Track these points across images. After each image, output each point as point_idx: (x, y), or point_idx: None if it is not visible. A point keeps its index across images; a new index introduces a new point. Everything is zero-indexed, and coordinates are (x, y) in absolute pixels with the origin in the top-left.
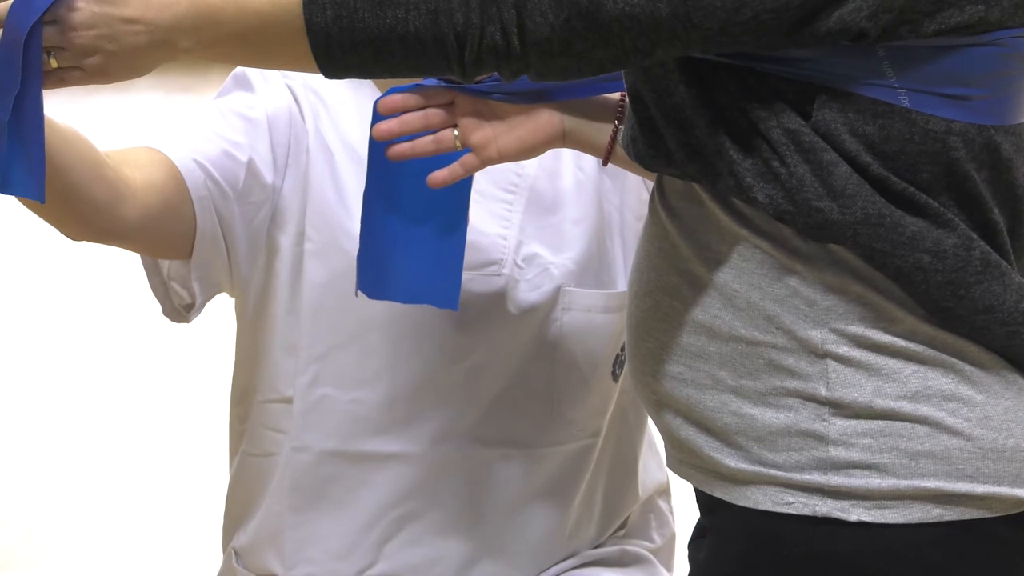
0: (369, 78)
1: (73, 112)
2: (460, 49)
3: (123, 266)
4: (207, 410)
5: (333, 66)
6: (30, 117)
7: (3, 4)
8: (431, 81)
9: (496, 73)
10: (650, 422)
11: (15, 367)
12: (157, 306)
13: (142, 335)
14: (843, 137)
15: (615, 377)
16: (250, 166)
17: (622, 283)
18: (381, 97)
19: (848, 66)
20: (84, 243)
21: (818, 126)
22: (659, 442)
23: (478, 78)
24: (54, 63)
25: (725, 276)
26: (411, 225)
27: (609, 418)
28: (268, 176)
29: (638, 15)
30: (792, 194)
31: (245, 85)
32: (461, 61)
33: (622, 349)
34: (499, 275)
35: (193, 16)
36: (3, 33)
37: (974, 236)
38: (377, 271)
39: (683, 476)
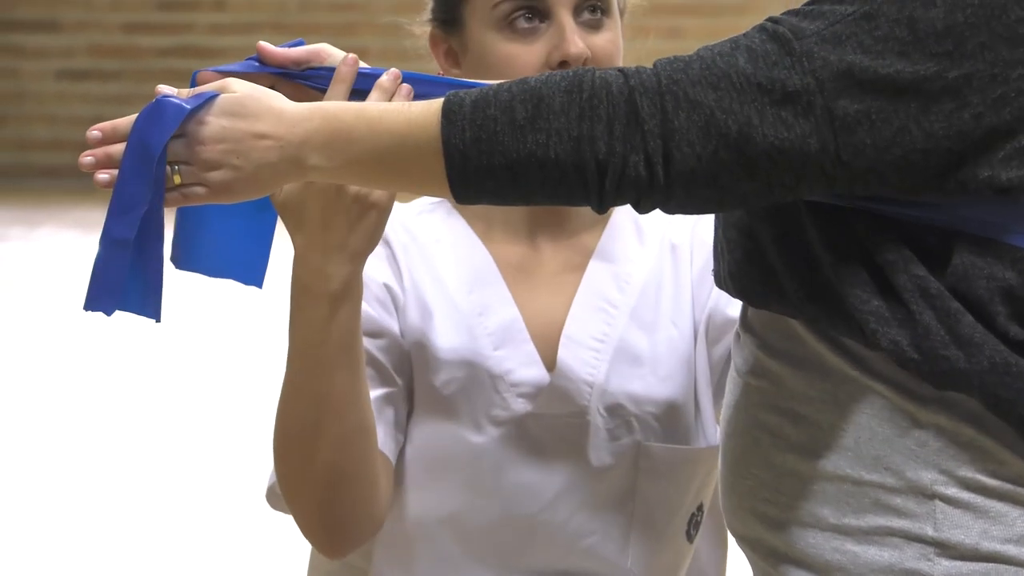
0: (500, 204)
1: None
2: (600, 178)
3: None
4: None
5: (467, 190)
6: (153, 235)
7: (126, 119)
8: (246, 63)
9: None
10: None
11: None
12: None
13: (150, 378)
14: (979, 283)
15: (689, 537)
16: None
17: (703, 439)
18: (199, 72)
19: (991, 212)
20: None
21: (956, 270)
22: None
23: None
24: (177, 179)
25: (832, 416)
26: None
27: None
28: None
29: (787, 149)
30: (918, 341)
31: None
32: (601, 190)
33: (698, 509)
34: (581, 421)
35: (325, 133)
36: (129, 147)
37: None
38: (189, 244)
39: None
